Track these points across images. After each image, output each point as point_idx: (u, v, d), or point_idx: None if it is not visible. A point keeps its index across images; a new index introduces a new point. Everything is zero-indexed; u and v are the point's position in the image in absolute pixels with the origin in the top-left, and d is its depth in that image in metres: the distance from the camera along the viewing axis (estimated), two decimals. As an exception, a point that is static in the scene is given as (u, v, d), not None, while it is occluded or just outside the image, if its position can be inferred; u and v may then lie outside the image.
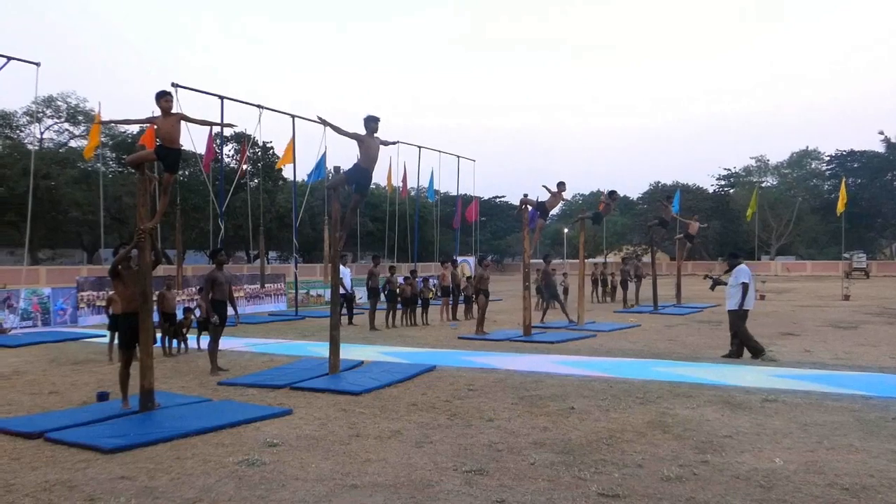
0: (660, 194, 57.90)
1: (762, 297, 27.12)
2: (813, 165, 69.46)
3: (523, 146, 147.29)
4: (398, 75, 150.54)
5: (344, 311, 17.49)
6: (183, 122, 8.28)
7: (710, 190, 72.46)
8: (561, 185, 16.18)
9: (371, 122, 10.13)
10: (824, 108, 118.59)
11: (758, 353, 11.21)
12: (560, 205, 18.99)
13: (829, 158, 68.63)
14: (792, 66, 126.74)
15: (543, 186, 16.28)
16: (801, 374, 9.71)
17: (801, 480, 5.17)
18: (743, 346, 11.37)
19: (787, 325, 16.83)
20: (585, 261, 19.51)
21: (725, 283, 11.94)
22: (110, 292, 13.37)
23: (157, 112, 8.26)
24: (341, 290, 17.25)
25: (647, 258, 33.18)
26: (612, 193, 19.49)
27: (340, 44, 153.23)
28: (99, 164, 38.62)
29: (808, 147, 69.65)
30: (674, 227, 25.74)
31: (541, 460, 5.73)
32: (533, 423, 7.09)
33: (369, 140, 10.09)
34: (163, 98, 8.00)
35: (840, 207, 29.93)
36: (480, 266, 18.01)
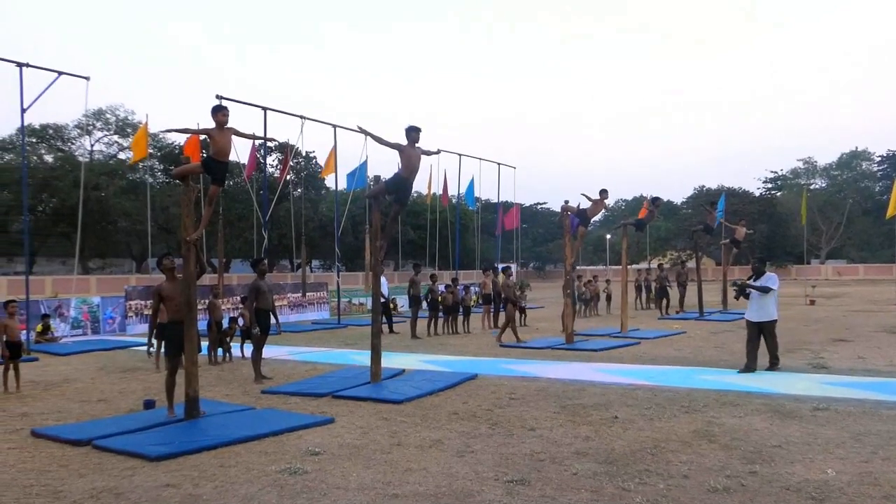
0: (704, 199, 56.94)
1: (812, 303, 26.49)
2: (863, 166, 67.76)
3: (565, 152, 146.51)
4: (438, 82, 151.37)
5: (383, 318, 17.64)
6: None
7: (757, 193, 71.15)
8: (603, 193, 16.00)
9: (412, 133, 10.18)
10: (874, 108, 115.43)
11: (749, 368, 10.74)
12: (602, 212, 18.82)
13: (879, 159, 66.90)
14: (838, 66, 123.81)
15: (583, 195, 16.11)
16: (853, 382, 9.43)
17: (854, 492, 5.00)
18: (776, 353, 10.87)
19: (839, 331, 16.37)
20: (629, 267, 19.28)
21: (748, 293, 10.89)
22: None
23: (204, 124, 8.45)
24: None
25: (691, 263, 32.69)
26: (656, 200, 19.27)
27: (380, 51, 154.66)
28: (147, 175, 39.56)
29: (857, 147, 68.02)
30: (719, 233, 25.36)
31: (583, 470, 5.65)
32: (575, 432, 7.00)
33: (410, 150, 10.12)
34: (220, 112, 8.24)
35: (892, 210, 29.08)
36: (504, 275, 18.06)
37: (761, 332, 10.76)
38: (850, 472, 5.47)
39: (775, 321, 10.73)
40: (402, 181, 10.32)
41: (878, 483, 5.20)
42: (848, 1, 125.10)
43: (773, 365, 10.81)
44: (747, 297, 10.95)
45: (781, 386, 9.30)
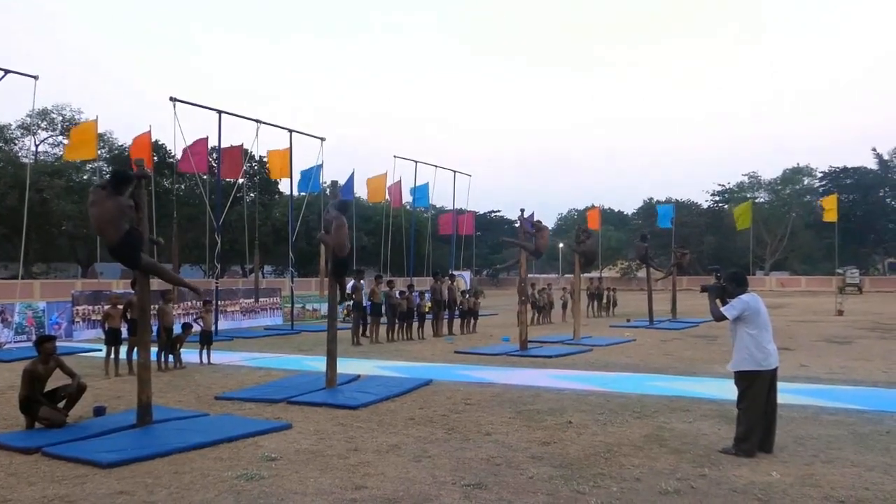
0: (652, 209, 58.11)
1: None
2: (806, 182, 69.85)
3: (521, 162, 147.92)
4: (396, 88, 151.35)
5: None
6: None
7: (705, 205, 72.80)
8: (538, 224, 16.42)
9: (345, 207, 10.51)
10: (817, 126, 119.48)
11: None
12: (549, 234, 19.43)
13: (821, 175, 69.07)
14: (785, 84, 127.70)
15: (521, 210, 16.54)
16: (796, 389, 9.75)
17: (797, 493, 5.21)
18: None
19: (783, 340, 16.84)
20: (581, 276, 19.59)
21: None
22: (106, 307, 13.38)
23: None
24: (365, 303, 17.46)
25: (641, 273, 33.39)
26: (586, 231, 19.92)
27: (336, 56, 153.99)
28: (95, 178, 38.58)
29: (799, 164, 70.11)
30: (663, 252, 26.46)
31: (539, 474, 5.75)
32: (531, 437, 7.11)
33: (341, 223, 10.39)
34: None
35: (829, 215, 30.35)
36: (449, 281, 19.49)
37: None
38: (794, 475, 5.70)
39: (739, 374, 6.71)
40: (340, 261, 10.52)
41: (819, 485, 5.42)
42: (791, 23, 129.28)
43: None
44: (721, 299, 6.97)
45: (728, 392, 9.53)
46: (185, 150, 21.42)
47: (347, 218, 11.12)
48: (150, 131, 21.61)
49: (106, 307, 13.46)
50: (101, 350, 13.02)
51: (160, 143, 41.45)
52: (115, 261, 8.48)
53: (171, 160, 41.12)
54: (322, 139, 24.52)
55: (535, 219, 17.07)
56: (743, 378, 6.59)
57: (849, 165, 67.57)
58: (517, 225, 17.07)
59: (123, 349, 12.20)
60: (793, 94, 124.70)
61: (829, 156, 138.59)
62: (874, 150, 66.14)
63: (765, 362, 6.56)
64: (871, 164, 66.46)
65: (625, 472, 5.82)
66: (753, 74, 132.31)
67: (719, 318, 6.76)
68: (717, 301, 6.91)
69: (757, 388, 6.50)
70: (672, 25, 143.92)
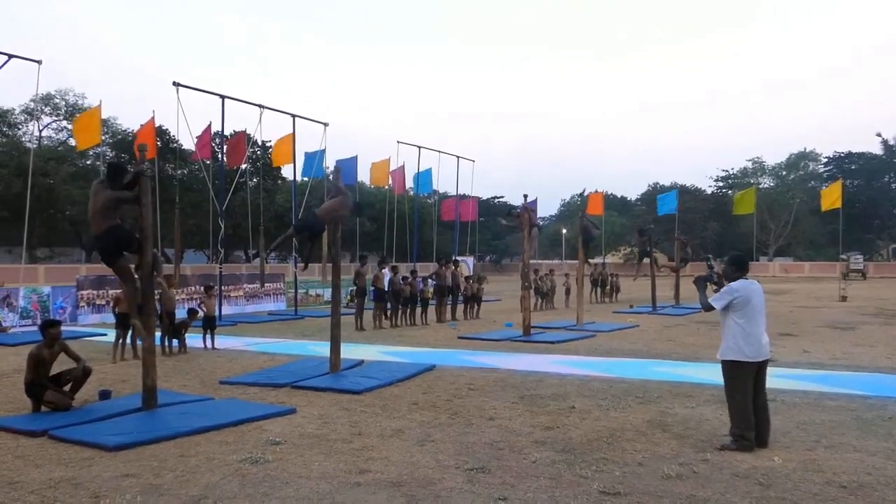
0: (658, 192, 57.91)
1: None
2: (810, 167, 69.61)
3: (524, 148, 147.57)
4: (400, 75, 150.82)
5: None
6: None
7: (709, 191, 72.59)
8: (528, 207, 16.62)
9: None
10: (822, 111, 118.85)
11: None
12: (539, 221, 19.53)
13: (826, 160, 68.81)
14: (789, 69, 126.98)
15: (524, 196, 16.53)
16: (799, 374, 9.78)
17: (799, 478, 5.23)
18: None
19: (786, 326, 16.88)
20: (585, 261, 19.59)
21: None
22: (116, 291, 13.42)
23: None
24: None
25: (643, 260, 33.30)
26: (594, 223, 20.00)
27: (342, 43, 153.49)
28: (98, 162, 38.60)
29: (805, 149, 69.79)
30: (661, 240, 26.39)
31: (542, 459, 5.78)
32: (534, 421, 7.14)
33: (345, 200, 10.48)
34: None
35: (830, 203, 30.18)
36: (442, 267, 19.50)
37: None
38: (796, 460, 5.71)
39: (724, 363, 6.34)
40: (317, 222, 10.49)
41: (821, 470, 5.44)
42: (798, 6, 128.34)
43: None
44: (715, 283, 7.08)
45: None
46: (197, 140, 21.43)
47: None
48: (153, 117, 21.57)
49: (116, 291, 13.49)
50: (105, 334, 13.07)
51: (164, 128, 41.44)
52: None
53: (175, 145, 41.14)
54: (325, 124, 24.47)
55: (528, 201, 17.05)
56: (726, 367, 6.29)
57: (854, 151, 67.34)
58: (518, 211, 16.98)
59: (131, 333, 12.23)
60: (798, 78, 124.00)
61: (835, 141, 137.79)
62: (879, 135, 65.91)
63: (751, 354, 6.14)
64: (877, 149, 66.23)
65: (627, 456, 5.85)
66: (759, 59, 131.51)
67: (707, 308, 6.45)
68: (709, 290, 6.68)
69: (742, 378, 6.16)
70: (677, 9, 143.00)
